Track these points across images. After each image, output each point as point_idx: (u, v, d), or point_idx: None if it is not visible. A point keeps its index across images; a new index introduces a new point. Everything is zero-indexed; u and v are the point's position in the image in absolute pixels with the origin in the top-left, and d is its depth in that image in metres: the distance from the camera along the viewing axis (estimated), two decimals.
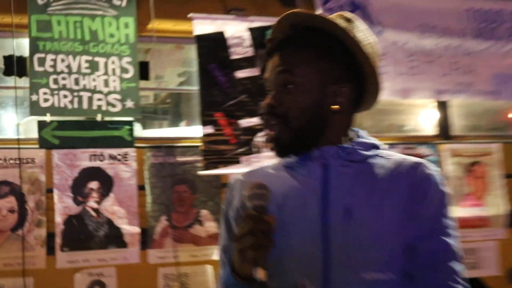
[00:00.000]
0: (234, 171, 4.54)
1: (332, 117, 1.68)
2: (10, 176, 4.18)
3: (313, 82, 1.66)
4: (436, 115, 5.36)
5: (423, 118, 5.52)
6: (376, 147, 1.73)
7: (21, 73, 4.30)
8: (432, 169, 1.66)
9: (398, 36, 5.16)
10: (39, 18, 4.33)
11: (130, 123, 4.43)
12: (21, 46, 4.39)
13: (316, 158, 1.68)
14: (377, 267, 1.58)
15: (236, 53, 4.70)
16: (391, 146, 4.98)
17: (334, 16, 1.74)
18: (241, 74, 4.68)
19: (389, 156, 1.73)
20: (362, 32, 1.72)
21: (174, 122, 5.77)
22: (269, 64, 1.73)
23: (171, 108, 6.00)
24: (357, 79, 1.70)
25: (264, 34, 4.78)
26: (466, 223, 5.06)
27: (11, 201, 4.18)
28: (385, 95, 4.93)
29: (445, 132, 5.28)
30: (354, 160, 1.67)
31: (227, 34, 4.70)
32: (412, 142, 5.16)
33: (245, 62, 4.70)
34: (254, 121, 4.61)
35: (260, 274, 1.50)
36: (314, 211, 1.63)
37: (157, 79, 5.23)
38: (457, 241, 1.65)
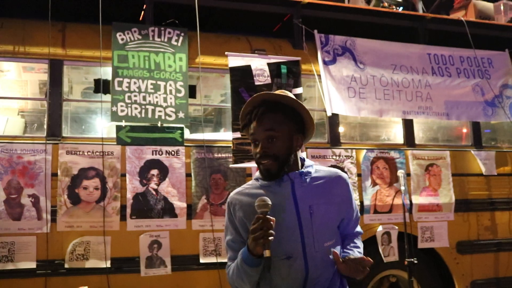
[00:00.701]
0: (255, 165, 4.93)
1: (294, 152, 2.27)
2: (96, 164, 4.54)
3: (286, 134, 2.22)
4: (403, 129, 5.69)
5: (394, 131, 5.86)
6: (312, 165, 2.35)
7: (106, 91, 4.67)
8: (346, 176, 2.41)
9: (376, 72, 5.56)
10: (119, 53, 4.75)
11: (181, 129, 4.77)
12: (106, 72, 4.76)
13: (286, 180, 2.25)
14: (329, 237, 2.26)
15: (259, 80, 5.09)
16: (371, 151, 5.41)
17: (280, 92, 2.32)
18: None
19: (320, 169, 2.38)
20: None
21: (216, 129, 6.12)
22: (256, 125, 2.22)
23: (214, 119, 6.35)
24: (303, 129, 2.31)
25: (279, 68, 5.19)
26: (424, 208, 5.45)
27: (96, 182, 4.52)
28: (366, 114, 5.41)
29: (409, 141, 5.62)
30: (307, 176, 2.29)
31: (252, 67, 5.10)
32: (385, 148, 5.51)
33: (265, 87, 5.07)
34: None
35: (267, 253, 2.02)
36: (291, 211, 2.22)
37: (205, 98, 5.53)
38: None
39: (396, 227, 5.25)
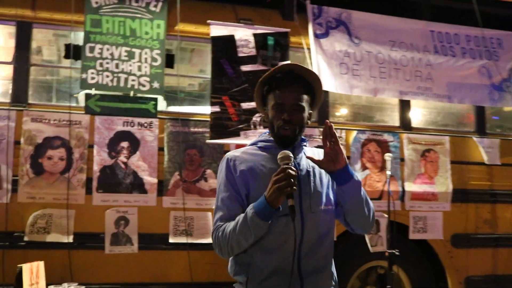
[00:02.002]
0: (234, 142, 4.73)
1: (305, 125, 2.33)
2: (62, 133, 4.39)
3: (307, 107, 2.29)
4: (399, 110, 5.42)
5: (389, 113, 5.59)
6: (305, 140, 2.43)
7: (76, 57, 4.52)
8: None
9: (372, 48, 5.29)
10: (92, 17, 4.58)
11: (155, 100, 4.59)
12: (78, 37, 4.61)
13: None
14: (325, 202, 2.27)
15: (243, 52, 4.89)
16: (362, 132, 5.16)
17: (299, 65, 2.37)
18: (245, 68, 4.85)
19: (309, 147, 2.43)
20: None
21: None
22: (285, 92, 2.26)
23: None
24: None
25: (265, 39, 4.97)
26: (418, 196, 5.18)
27: (61, 152, 4.37)
28: (359, 92, 5.15)
29: (405, 124, 5.35)
30: (304, 143, 2.39)
31: (236, 37, 4.90)
32: (378, 130, 5.22)
33: (249, 59, 4.88)
34: (253, 104, 4.77)
35: (291, 201, 2.01)
36: None
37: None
38: None
39: (386, 215, 4.98)
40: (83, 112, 4.46)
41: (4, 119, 4.30)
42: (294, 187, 2.03)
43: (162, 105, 4.81)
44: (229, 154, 2.34)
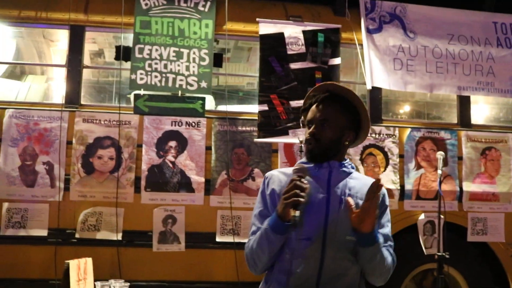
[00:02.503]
0: (283, 141, 4.69)
1: (342, 147, 2.30)
2: (112, 133, 4.49)
3: (338, 125, 2.27)
4: (457, 107, 5.16)
5: (447, 109, 5.36)
6: (352, 165, 2.36)
7: (126, 58, 4.61)
8: (385, 190, 2.30)
9: (428, 42, 5.08)
10: (142, 19, 4.66)
11: (202, 99, 4.60)
12: (127, 39, 4.72)
13: (325, 167, 2.27)
14: (353, 233, 2.15)
15: (292, 50, 4.83)
16: (417, 130, 4.97)
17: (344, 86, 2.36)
18: (294, 66, 4.78)
19: (360, 175, 2.38)
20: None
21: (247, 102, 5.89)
22: (314, 108, 2.30)
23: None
24: (358, 128, 2.34)
25: (315, 36, 4.89)
26: (477, 197, 4.92)
27: (111, 151, 4.48)
28: (414, 88, 4.98)
29: (464, 121, 5.08)
30: (345, 168, 2.31)
31: (285, 34, 4.83)
32: (434, 127, 5.01)
33: (298, 57, 4.81)
34: (302, 102, 4.72)
35: (295, 212, 2.02)
36: (322, 195, 2.22)
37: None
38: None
39: (442, 216, 4.77)
40: (132, 112, 4.55)
41: (57, 120, 4.47)
42: (301, 199, 2.04)
43: (210, 104, 4.84)
44: (269, 173, 2.39)
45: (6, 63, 5.35)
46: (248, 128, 4.72)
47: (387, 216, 2.31)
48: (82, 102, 4.61)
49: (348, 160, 2.37)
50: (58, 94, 4.88)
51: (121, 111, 4.53)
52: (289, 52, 4.82)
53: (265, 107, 4.69)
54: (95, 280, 3.83)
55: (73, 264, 3.72)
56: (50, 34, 5.24)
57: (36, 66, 5.48)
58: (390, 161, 4.85)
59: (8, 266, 4.32)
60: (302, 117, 2.41)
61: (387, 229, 2.29)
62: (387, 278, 2.25)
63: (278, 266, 2.22)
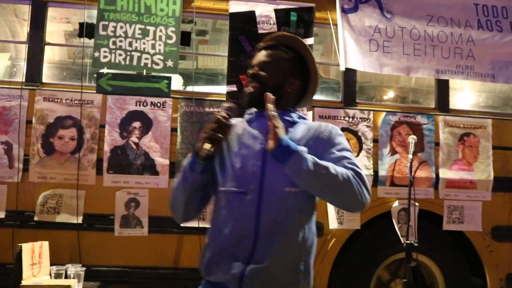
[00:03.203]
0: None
1: (285, 95, 2.18)
2: (74, 113, 4.37)
3: (281, 70, 2.18)
4: (435, 91, 5.03)
5: (424, 93, 5.24)
6: (303, 118, 2.23)
7: (90, 36, 4.49)
8: (333, 126, 2.18)
9: (406, 23, 4.95)
10: None
11: (168, 78, 4.47)
12: (91, 15, 4.58)
13: (265, 115, 2.02)
14: (293, 183, 2.00)
15: (263, 28, 4.70)
16: (392, 114, 4.84)
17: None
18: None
19: (308, 122, 2.22)
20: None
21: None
22: (258, 54, 2.23)
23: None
24: (306, 80, 2.24)
25: (288, 15, 4.76)
26: (454, 184, 4.80)
27: (72, 132, 4.35)
28: (390, 71, 4.85)
29: (442, 106, 4.95)
30: (287, 117, 2.16)
31: (257, 13, 4.71)
32: (411, 111, 4.88)
33: (270, 37, 4.71)
34: None
35: (207, 146, 1.93)
36: (260, 145, 2.08)
37: None
38: None
39: (417, 204, 4.66)
40: (95, 91, 4.42)
41: (17, 98, 4.35)
42: (218, 134, 1.96)
43: (178, 84, 4.72)
44: None
45: None
46: (216, 110, 4.60)
47: (341, 147, 2.09)
48: (44, 80, 4.49)
49: (296, 111, 2.25)
50: (21, 73, 4.76)
51: (83, 90, 4.41)
52: (260, 31, 4.68)
53: (233, 88, 4.57)
54: (52, 264, 3.75)
55: (26, 247, 3.61)
56: (22, 12, 5.11)
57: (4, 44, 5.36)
58: (364, 146, 4.72)
59: None
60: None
61: (341, 153, 2.08)
62: (358, 199, 1.97)
63: (214, 225, 2.10)
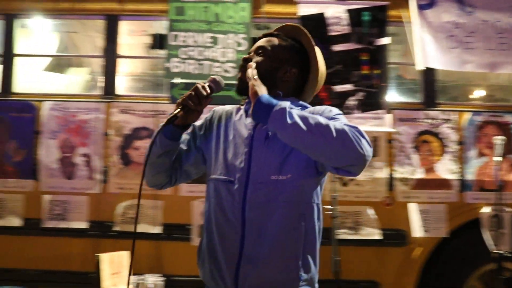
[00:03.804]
0: None
1: (279, 82, 2.06)
2: (149, 124, 4.48)
3: (277, 57, 2.07)
4: None
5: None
6: (305, 106, 2.06)
7: (162, 46, 4.58)
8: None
9: (489, 16, 4.67)
10: (176, 5, 4.58)
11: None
12: (162, 27, 4.67)
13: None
14: (281, 171, 1.91)
15: (334, 30, 4.60)
16: (477, 114, 4.59)
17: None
18: (337, 47, 4.55)
19: (309, 109, 2.05)
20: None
21: None
22: (257, 42, 2.15)
23: None
24: (305, 71, 2.12)
25: (360, 15, 4.65)
26: None
27: (148, 142, 4.48)
28: (473, 68, 4.62)
29: None
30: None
31: (327, 14, 4.63)
32: (499, 110, 4.60)
33: (341, 38, 4.57)
34: (347, 87, 4.50)
35: (177, 111, 1.92)
36: (247, 132, 2.00)
37: None
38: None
39: (509, 210, 4.38)
40: (168, 101, 4.49)
41: (95, 111, 4.51)
42: (191, 102, 1.93)
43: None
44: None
45: (37, 56, 5.39)
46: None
47: (337, 117, 1.92)
48: (119, 92, 4.63)
49: (292, 98, 2.05)
50: (98, 86, 4.94)
51: (156, 101, 4.50)
52: (332, 33, 4.59)
53: None
54: (133, 274, 3.85)
55: (104, 257, 3.74)
56: (96, 25, 5.31)
57: (82, 58, 5.60)
58: (447, 149, 4.50)
59: (50, 258, 4.41)
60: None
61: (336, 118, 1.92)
62: (357, 149, 1.74)
63: (206, 215, 2.03)
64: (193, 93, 1.93)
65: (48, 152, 4.49)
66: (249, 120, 2.01)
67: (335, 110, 2.00)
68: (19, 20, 4.80)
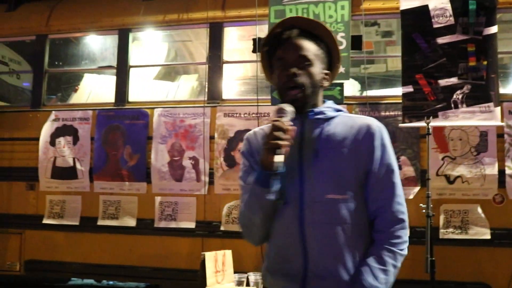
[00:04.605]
0: (431, 124, 4.38)
1: (319, 89, 1.98)
2: (252, 126, 4.46)
3: (318, 64, 1.95)
4: None
5: None
6: (340, 110, 2.00)
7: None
8: (379, 126, 1.95)
9: None
10: (276, 9, 4.71)
11: (341, 85, 4.50)
12: (262, 30, 4.77)
13: (297, 117, 1.89)
14: (336, 190, 1.86)
15: (438, 22, 4.48)
16: None
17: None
18: (441, 40, 4.41)
19: (349, 115, 2.01)
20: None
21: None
22: (287, 47, 1.94)
23: None
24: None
25: (466, 4, 4.48)
26: None
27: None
28: None
29: None
30: (320, 116, 1.95)
31: (430, 6, 4.51)
32: None
33: (446, 30, 4.44)
34: (452, 80, 4.35)
35: (279, 158, 1.75)
36: (294, 151, 1.88)
37: None
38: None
39: None
40: (269, 104, 4.62)
41: (201, 116, 4.77)
42: (281, 142, 1.75)
43: (352, 90, 4.74)
44: (247, 134, 2.06)
45: (149, 66, 5.65)
46: (392, 113, 4.51)
47: (387, 167, 1.88)
48: (224, 97, 4.86)
49: (329, 102, 2.02)
50: (204, 92, 5.21)
51: (259, 104, 4.66)
52: (436, 25, 4.48)
53: (409, 89, 4.41)
54: (238, 272, 4.02)
55: (209, 256, 3.93)
56: (199, 34, 5.59)
57: (188, 66, 5.91)
58: None
59: (161, 256, 4.72)
60: (262, 63, 2.04)
61: (388, 178, 1.88)
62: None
63: (270, 239, 1.93)
64: (278, 133, 1.77)
65: (158, 156, 4.82)
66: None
67: (386, 150, 1.92)
68: (132, 33, 5.20)
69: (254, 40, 4.79)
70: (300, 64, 1.94)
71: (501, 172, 4.20)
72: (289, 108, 1.82)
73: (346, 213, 1.85)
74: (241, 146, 2.08)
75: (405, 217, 1.86)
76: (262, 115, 4.66)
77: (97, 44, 5.76)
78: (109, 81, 5.33)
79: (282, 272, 1.89)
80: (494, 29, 4.37)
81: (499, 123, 4.23)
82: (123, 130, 4.95)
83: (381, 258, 1.82)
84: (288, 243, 1.87)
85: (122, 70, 5.09)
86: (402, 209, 1.86)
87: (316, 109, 1.97)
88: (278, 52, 1.97)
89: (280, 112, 1.82)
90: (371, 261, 1.82)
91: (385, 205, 1.87)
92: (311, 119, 1.96)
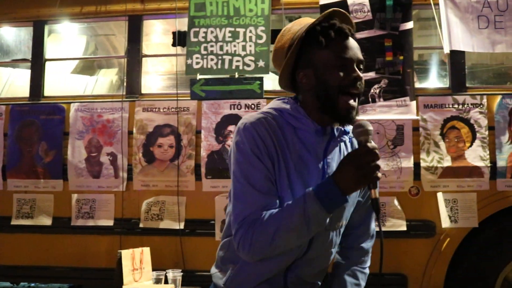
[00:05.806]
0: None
1: None
2: (171, 121, 4.63)
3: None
4: None
5: None
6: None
7: (182, 44, 4.73)
8: None
9: None
10: (197, 2, 4.73)
11: (260, 79, 4.54)
12: (182, 24, 4.80)
13: (328, 132, 1.87)
14: (345, 217, 2.00)
15: (356, 18, 4.63)
16: (509, 96, 4.49)
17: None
18: (360, 35, 4.54)
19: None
20: None
21: None
22: (351, 45, 1.82)
23: None
24: None
25: (383, 0, 4.65)
26: None
27: (171, 139, 4.60)
28: (503, 49, 4.61)
29: None
30: (342, 139, 1.91)
31: (349, 1, 4.63)
32: None
33: (364, 25, 4.56)
34: (370, 75, 4.49)
35: (375, 193, 1.67)
36: (319, 171, 1.86)
37: None
38: None
39: None
40: (189, 98, 4.64)
41: (119, 110, 4.73)
42: (379, 174, 1.64)
43: (272, 84, 4.81)
44: (246, 123, 1.81)
45: (66, 59, 5.60)
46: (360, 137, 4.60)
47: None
48: (143, 91, 4.83)
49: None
50: (122, 86, 5.17)
51: (178, 98, 4.66)
52: (354, 20, 4.57)
53: None
54: (156, 270, 4.02)
55: (126, 253, 3.92)
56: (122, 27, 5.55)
57: (110, 60, 5.87)
58: (478, 135, 4.42)
59: (79, 255, 4.65)
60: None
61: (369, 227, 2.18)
62: None
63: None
64: (377, 162, 1.65)
65: (75, 153, 4.75)
66: (310, 146, 1.85)
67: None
68: (48, 26, 5.09)
69: (173, 33, 4.80)
70: (359, 66, 1.82)
71: (417, 164, 4.36)
72: (371, 128, 1.68)
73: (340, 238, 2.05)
74: (238, 139, 1.83)
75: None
76: (182, 109, 4.66)
77: (11, 36, 5.63)
78: (24, 75, 5.21)
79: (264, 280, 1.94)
80: (410, 25, 4.53)
81: (415, 117, 4.40)
82: (38, 126, 4.84)
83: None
84: (289, 259, 1.90)
85: (37, 63, 4.96)
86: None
87: (346, 128, 1.88)
88: (336, 48, 1.80)
89: (366, 134, 1.66)
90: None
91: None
92: (334, 136, 1.86)
